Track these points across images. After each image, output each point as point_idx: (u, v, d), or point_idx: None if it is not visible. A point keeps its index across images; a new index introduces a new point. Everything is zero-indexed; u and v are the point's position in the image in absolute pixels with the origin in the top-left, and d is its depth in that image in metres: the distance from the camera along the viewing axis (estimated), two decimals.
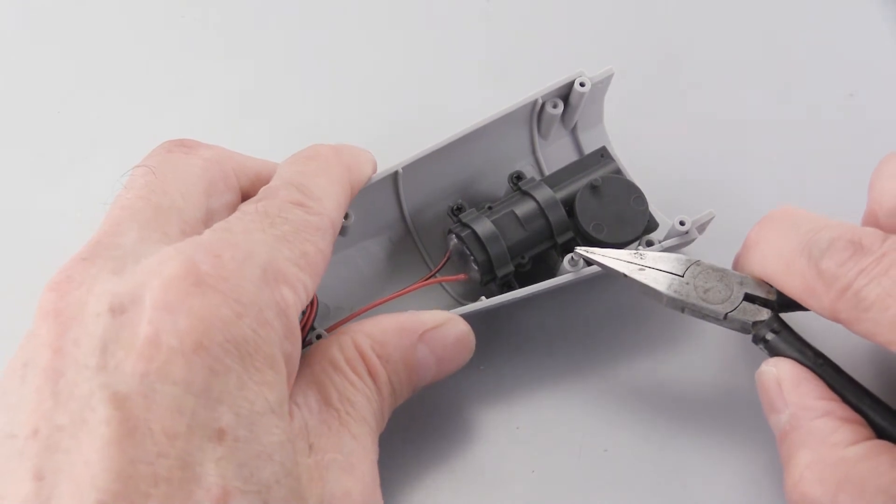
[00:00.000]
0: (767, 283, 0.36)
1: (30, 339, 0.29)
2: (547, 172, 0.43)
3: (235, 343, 0.28)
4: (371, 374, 0.34)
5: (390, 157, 0.40)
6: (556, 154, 0.44)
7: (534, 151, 0.44)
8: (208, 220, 0.33)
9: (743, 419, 0.39)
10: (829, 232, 0.33)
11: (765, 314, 0.36)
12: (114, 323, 0.28)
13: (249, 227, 0.31)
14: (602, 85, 0.42)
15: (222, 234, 0.31)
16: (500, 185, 0.42)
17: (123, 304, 0.28)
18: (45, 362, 0.28)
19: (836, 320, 0.33)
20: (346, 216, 0.38)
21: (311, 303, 0.36)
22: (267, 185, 0.34)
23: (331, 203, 0.35)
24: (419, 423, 0.38)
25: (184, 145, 0.35)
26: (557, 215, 0.39)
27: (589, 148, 0.44)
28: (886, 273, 0.31)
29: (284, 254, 0.31)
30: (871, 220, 0.35)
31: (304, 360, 0.34)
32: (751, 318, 0.36)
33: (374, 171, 0.39)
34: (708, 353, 0.41)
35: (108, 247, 0.30)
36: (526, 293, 0.38)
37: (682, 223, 0.39)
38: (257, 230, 0.31)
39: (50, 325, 0.28)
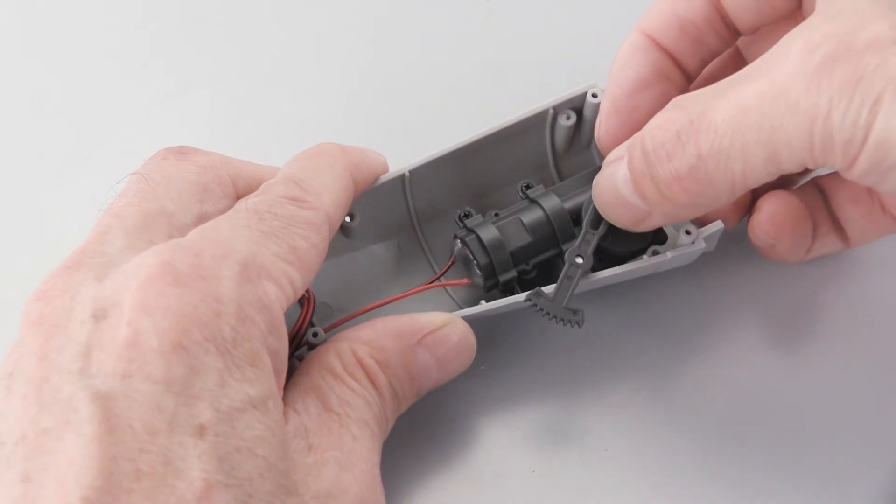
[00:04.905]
0: None
1: (15, 349, 0.30)
2: None
3: (214, 341, 0.29)
4: (370, 379, 0.34)
5: (393, 160, 0.40)
6: (576, 170, 0.44)
7: (549, 164, 0.44)
8: (201, 224, 0.33)
9: (742, 419, 0.39)
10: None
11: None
12: (96, 328, 0.29)
13: (236, 224, 0.32)
14: None
15: (206, 233, 0.31)
16: (516, 198, 0.42)
17: (105, 309, 0.29)
18: (30, 370, 0.29)
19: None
20: (352, 217, 0.39)
21: (308, 300, 0.37)
22: (267, 182, 0.35)
23: (329, 198, 0.35)
24: (419, 422, 0.38)
25: (180, 152, 0.36)
26: (563, 223, 0.39)
27: None
28: None
29: (270, 248, 0.32)
30: (614, 104, 0.38)
31: (303, 367, 0.34)
32: None
33: (385, 171, 0.40)
34: (706, 354, 0.41)
35: (93, 254, 0.31)
36: (525, 296, 0.38)
37: (687, 233, 0.39)
38: (243, 227, 0.32)
39: (35, 334, 0.29)
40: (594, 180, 0.37)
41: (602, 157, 0.43)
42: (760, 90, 0.31)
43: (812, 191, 0.39)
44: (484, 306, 0.38)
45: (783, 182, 0.40)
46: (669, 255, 0.39)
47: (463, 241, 0.39)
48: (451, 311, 0.37)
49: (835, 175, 0.39)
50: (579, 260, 0.38)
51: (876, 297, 0.42)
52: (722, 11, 0.38)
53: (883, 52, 0.29)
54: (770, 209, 0.38)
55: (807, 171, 0.40)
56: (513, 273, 0.39)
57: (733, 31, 0.38)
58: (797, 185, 0.40)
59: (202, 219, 0.34)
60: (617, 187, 0.35)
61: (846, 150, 0.30)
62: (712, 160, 0.32)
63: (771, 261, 0.39)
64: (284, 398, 0.32)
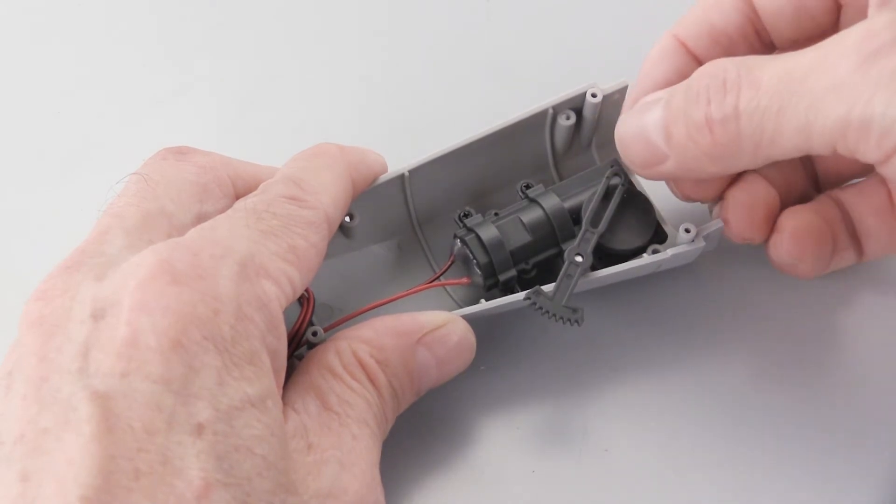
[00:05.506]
0: None
1: (15, 349, 0.30)
2: None
3: (213, 339, 0.29)
4: (370, 378, 0.34)
5: (392, 160, 0.40)
6: (576, 170, 0.43)
7: (549, 164, 0.44)
8: (200, 224, 0.34)
9: (742, 419, 0.39)
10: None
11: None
12: (95, 327, 0.29)
13: (235, 223, 0.32)
14: (616, 97, 0.42)
15: (205, 232, 0.32)
16: (515, 198, 0.42)
17: (104, 309, 0.29)
18: (29, 370, 0.29)
19: None
20: (351, 217, 0.39)
21: (308, 300, 0.37)
22: (266, 181, 0.35)
23: (328, 198, 0.35)
24: (419, 422, 0.38)
25: (179, 152, 0.36)
26: (563, 223, 0.39)
27: None
28: None
29: (269, 248, 0.32)
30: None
31: (302, 366, 0.34)
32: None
33: (384, 171, 0.40)
34: (706, 354, 0.41)
35: (93, 254, 0.31)
36: (524, 295, 0.37)
37: (687, 231, 0.39)
38: (242, 226, 0.32)
39: (35, 334, 0.29)
40: (619, 119, 0.37)
41: (601, 159, 0.44)
42: (810, 61, 0.31)
43: (829, 205, 0.39)
44: (484, 305, 0.38)
45: (803, 195, 0.40)
46: (669, 253, 0.39)
47: (462, 241, 0.39)
48: (450, 310, 0.37)
49: (856, 187, 0.39)
50: (579, 258, 0.38)
51: (875, 304, 0.42)
52: (757, 24, 0.38)
53: None
54: (793, 226, 0.38)
55: (820, 181, 0.41)
56: (512, 272, 0.39)
57: (767, 46, 0.38)
58: (814, 199, 0.40)
59: (202, 219, 0.34)
60: (644, 124, 0.35)
61: (882, 140, 0.29)
62: (746, 116, 0.32)
63: (792, 277, 0.39)
64: (284, 397, 0.32)
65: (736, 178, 0.38)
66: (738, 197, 0.38)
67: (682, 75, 0.36)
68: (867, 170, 0.39)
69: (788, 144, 0.32)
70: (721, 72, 0.33)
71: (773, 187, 0.38)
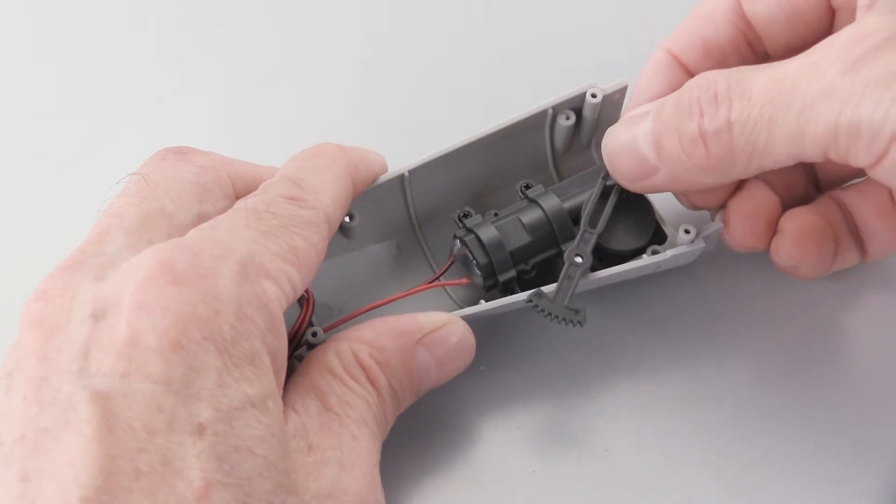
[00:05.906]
0: None
1: (15, 349, 0.30)
2: None
3: (213, 340, 0.29)
4: (370, 379, 0.34)
5: (392, 160, 0.40)
6: (576, 171, 0.43)
7: (549, 165, 0.44)
8: (200, 224, 0.33)
9: (742, 420, 0.39)
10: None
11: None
12: (95, 328, 0.29)
13: (235, 223, 0.32)
14: (616, 97, 0.42)
15: (205, 232, 0.31)
16: (515, 198, 0.42)
17: (104, 309, 0.29)
18: (30, 370, 0.29)
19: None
20: (351, 217, 0.39)
21: (308, 300, 0.37)
22: (266, 182, 0.35)
23: (327, 198, 0.35)
24: (419, 422, 0.38)
25: (179, 152, 0.36)
26: (563, 223, 0.39)
27: None
28: None
29: (269, 248, 0.32)
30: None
31: (302, 367, 0.34)
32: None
33: (384, 171, 0.40)
34: (706, 354, 0.41)
35: (93, 254, 0.31)
36: (525, 297, 0.38)
37: (686, 231, 0.39)
38: (242, 226, 0.32)
39: (35, 334, 0.29)
40: (606, 132, 0.37)
41: (601, 159, 0.43)
42: (799, 68, 0.31)
43: (831, 206, 0.39)
44: (483, 306, 0.38)
45: (804, 196, 0.40)
46: (669, 254, 0.39)
47: (462, 241, 0.39)
48: (450, 310, 0.37)
49: (857, 188, 0.39)
50: (578, 259, 0.38)
51: (875, 304, 0.42)
52: (749, 35, 0.38)
53: None
54: (794, 227, 0.38)
55: (820, 182, 0.41)
56: (512, 273, 0.39)
57: (759, 56, 0.39)
58: (815, 201, 0.40)
59: (201, 219, 0.34)
60: (633, 136, 0.35)
61: (872, 143, 0.29)
62: (738, 127, 0.32)
63: (793, 278, 0.39)
64: (284, 398, 0.32)
65: (738, 186, 0.38)
66: (740, 205, 0.38)
67: (674, 89, 0.36)
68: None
69: (781, 153, 0.32)
70: (712, 84, 0.33)
71: (774, 192, 0.38)
